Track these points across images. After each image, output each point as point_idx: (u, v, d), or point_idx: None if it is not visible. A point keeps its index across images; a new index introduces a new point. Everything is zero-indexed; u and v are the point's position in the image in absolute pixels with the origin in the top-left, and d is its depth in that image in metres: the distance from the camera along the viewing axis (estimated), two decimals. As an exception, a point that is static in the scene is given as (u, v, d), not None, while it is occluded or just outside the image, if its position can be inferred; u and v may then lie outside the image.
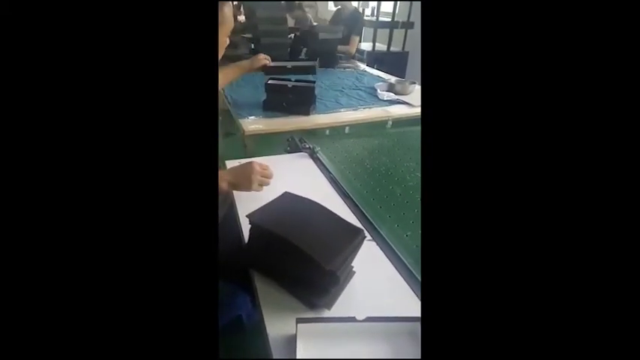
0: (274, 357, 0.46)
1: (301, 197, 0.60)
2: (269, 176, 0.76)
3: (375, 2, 3.08)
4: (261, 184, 0.75)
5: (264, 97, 1.26)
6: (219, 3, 0.73)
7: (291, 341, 0.47)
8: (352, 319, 0.47)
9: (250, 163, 0.75)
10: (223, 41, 0.78)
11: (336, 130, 1.36)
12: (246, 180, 0.72)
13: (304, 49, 2.12)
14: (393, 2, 3.13)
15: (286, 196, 0.60)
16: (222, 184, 0.73)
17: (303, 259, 0.48)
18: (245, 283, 1.04)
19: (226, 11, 0.76)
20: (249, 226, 0.57)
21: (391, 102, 1.45)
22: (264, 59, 1.19)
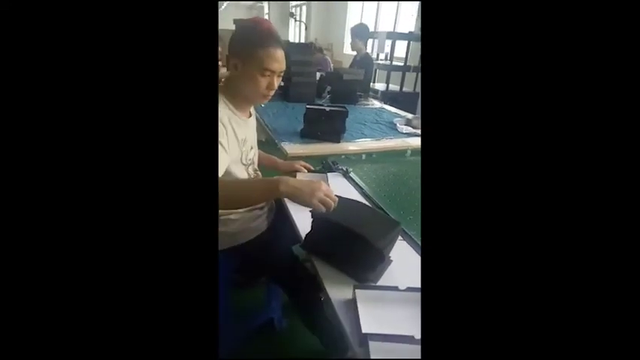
0: (338, 316, 0.60)
1: (350, 199, 0.77)
2: (334, 200, 0.69)
3: (389, 48, 3.42)
4: (324, 203, 0.67)
5: (300, 126, 1.46)
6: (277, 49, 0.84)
7: (349, 304, 0.61)
8: (395, 288, 0.62)
9: (319, 181, 0.70)
10: (274, 84, 0.88)
11: (357, 157, 1.55)
12: (308, 193, 0.66)
13: (328, 88, 2.37)
14: (405, 48, 3.46)
15: (339, 197, 0.77)
16: (281, 187, 0.68)
17: (356, 240, 0.64)
18: (279, 289, 1.17)
19: (280, 55, 0.87)
20: (311, 219, 0.73)
21: (409, 135, 1.64)
22: (298, 166, 1.11)
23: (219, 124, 0.83)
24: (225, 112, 0.87)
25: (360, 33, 2.76)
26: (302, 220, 0.83)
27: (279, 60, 0.87)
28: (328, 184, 1.09)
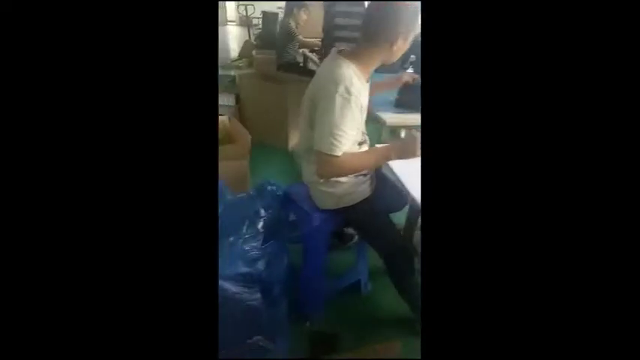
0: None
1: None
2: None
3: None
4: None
5: (394, 96, 1.44)
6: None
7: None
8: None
9: (412, 136, 0.87)
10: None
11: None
12: (412, 149, 0.86)
13: (412, 57, 2.25)
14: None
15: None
16: (391, 155, 0.90)
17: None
18: (367, 253, 1.21)
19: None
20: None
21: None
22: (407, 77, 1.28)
23: (356, 98, 0.86)
24: (354, 80, 0.89)
25: None
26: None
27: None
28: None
